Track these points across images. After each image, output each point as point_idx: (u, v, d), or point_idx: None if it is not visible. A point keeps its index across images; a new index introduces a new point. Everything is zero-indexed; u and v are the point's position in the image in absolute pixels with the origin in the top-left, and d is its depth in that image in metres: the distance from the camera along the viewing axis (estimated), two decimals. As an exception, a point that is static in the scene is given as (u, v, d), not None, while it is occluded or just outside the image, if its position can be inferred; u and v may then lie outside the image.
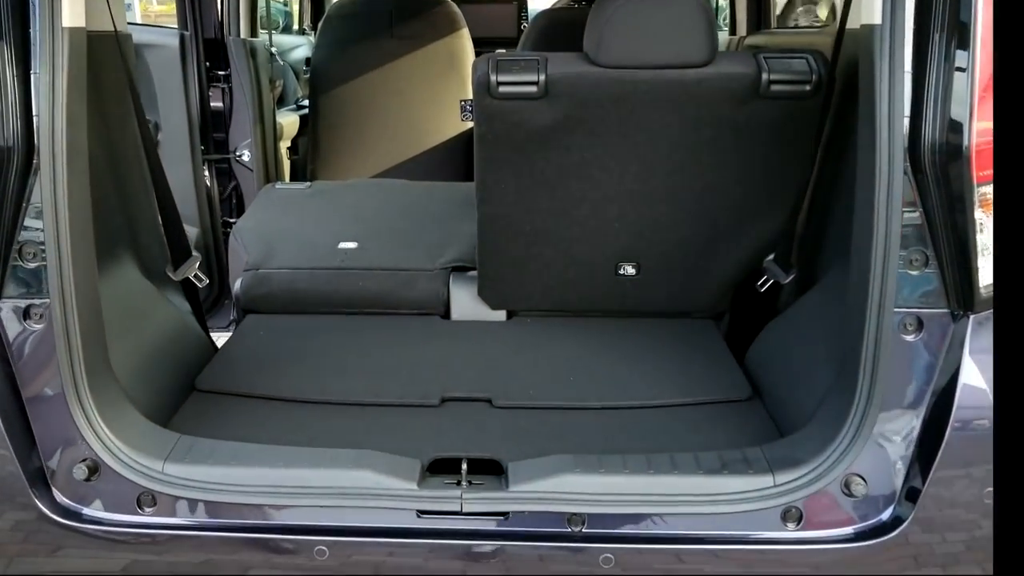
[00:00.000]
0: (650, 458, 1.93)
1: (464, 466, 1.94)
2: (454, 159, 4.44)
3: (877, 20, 1.77)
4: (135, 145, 2.40)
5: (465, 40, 4.45)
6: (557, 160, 2.39)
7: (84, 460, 1.88)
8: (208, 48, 3.69)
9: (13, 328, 1.85)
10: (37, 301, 1.84)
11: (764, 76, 2.21)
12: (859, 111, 1.84)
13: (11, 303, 1.85)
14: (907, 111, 1.74)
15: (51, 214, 1.80)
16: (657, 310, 2.77)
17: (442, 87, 4.42)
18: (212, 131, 3.72)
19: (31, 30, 1.79)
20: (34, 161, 1.80)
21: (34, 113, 1.79)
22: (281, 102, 4.28)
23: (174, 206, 2.50)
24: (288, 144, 4.46)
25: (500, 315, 2.81)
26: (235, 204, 3.93)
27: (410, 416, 2.23)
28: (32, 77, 1.79)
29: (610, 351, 2.56)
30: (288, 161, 4.42)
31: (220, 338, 2.93)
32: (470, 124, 4.46)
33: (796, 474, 1.86)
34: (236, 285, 2.85)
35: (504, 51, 5.22)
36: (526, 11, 5.34)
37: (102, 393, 1.91)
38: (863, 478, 1.85)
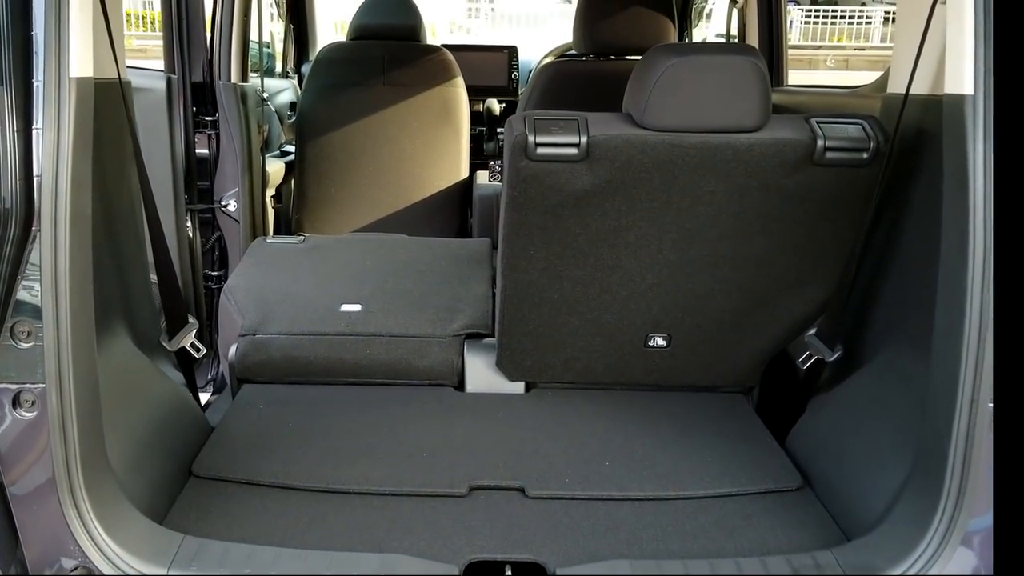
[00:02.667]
0: (714, 564, 1.75)
1: (509, 573, 1.74)
2: (449, 212, 4.26)
3: (968, 90, 1.64)
4: (130, 200, 2.19)
5: (460, 89, 4.30)
6: (592, 226, 2.22)
7: (76, 568, 1.65)
8: (195, 92, 3.48)
9: (1, 418, 1.62)
10: (29, 386, 1.62)
11: (820, 143, 2.07)
12: (945, 186, 1.71)
13: (-2, 387, 1.62)
14: None
15: (51, 289, 1.58)
16: (685, 383, 2.61)
17: (436, 137, 4.25)
18: (196, 179, 3.50)
19: (34, 80, 1.59)
20: (33, 228, 1.59)
21: (35, 173, 1.59)
22: (265, 148, 4.07)
23: (172, 267, 2.29)
24: (272, 192, 4.25)
25: (518, 387, 2.62)
26: (218, 256, 3.70)
27: (436, 508, 2.02)
28: (34, 133, 1.59)
29: (642, 430, 2.38)
30: (272, 210, 4.20)
31: (202, 397, 2.71)
32: (464, 175, 4.30)
33: None
34: (231, 351, 2.63)
35: (495, 98, 5.13)
36: (517, 60, 5.21)
37: (98, 489, 1.68)
38: (950, 589, 1.68)
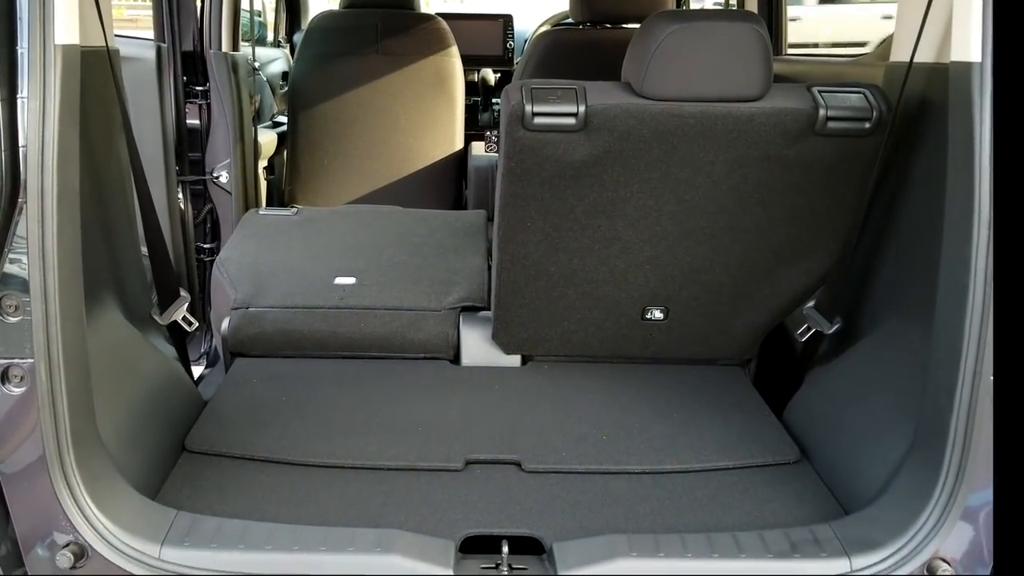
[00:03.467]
0: (712, 539, 1.73)
1: (505, 548, 1.73)
2: (444, 183, 4.22)
3: (975, 57, 1.61)
4: (119, 172, 2.15)
5: (455, 58, 4.24)
6: (590, 197, 2.19)
7: (68, 545, 1.63)
8: (185, 61, 3.42)
9: (-11, 393, 1.59)
10: (18, 361, 1.59)
11: (821, 112, 2.04)
12: (950, 156, 1.68)
13: (-15, 363, 1.59)
14: None
15: (38, 262, 1.55)
16: (682, 356, 2.59)
17: (430, 107, 4.20)
18: (188, 150, 3.45)
19: (18, 48, 1.55)
20: (19, 200, 1.55)
21: (20, 144, 1.55)
22: (257, 118, 4.01)
23: (163, 240, 2.25)
24: (264, 164, 4.20)
25: (514, 360, 2.60)
26: (210, 229, 3.66)
27: (432, 482, 2.01)
28: (19, 102, 1.55)
29: (640, 404, 2.36)
30: (264, 182, 4.16)
31: (194, 371, 2.68)
32: (459, 146, 4.26)
33: (875, 557, 1.69)
34: (224, 324, 2.60)
35: (490, 68, 5.07)
36: (512, 29, 5.15)
37: (90, 465, 1.66)
38: (948, 563, 1.67)
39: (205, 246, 3.62)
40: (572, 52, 3.60)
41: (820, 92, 2.08)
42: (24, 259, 1.56)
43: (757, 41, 2.02)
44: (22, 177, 1.55)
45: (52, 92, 1.56)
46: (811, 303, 2.38)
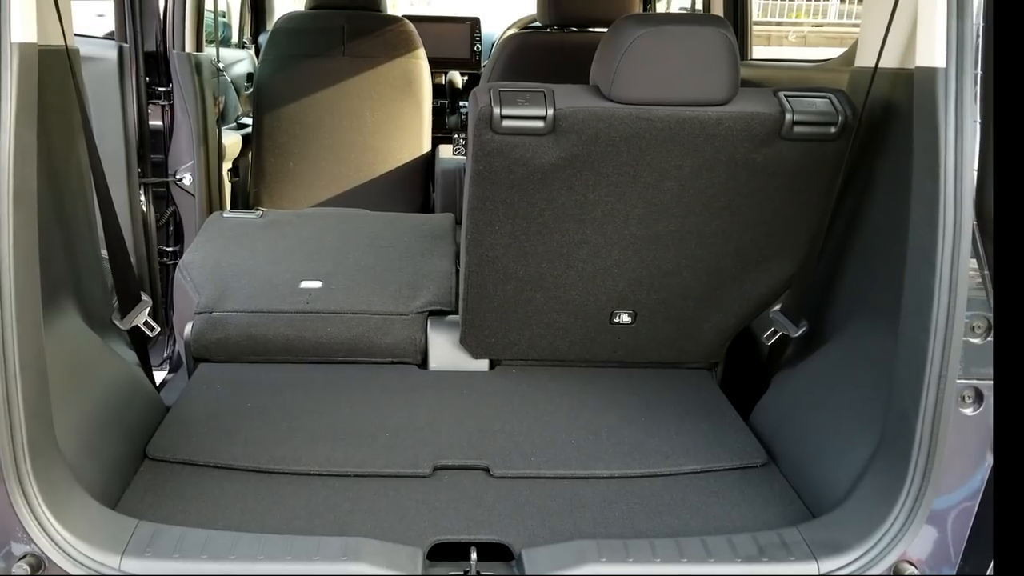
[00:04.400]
0: (680, 543, 1.73)
1: (474, 555, 1.71)
2: (411, 186, 4.19)
3: (940, 63, 1.62)
4: (79, 174, 2.10)
5: (422, 60, 4.22)
6: (559, 200, 2.18)
7: (25, 556, 1.59)
8: (147, 62, 3.37)
9: (-59, 400, 1.54)
10: None
11: (788, 117, 2.05)
12: (915, 160, 1.69)
13: (-62, 369, 1.54)
14: (975, 164, 1.59)
15: None
16: (649, 360, 2.59)
17: (397, 109, 4.18)
18: (150, 152, 3.40)
19: None
20: None
21: None
22: (221, 120, 3.96)
23: (123, 243, 2.21)
24: (229, 166, 4.15)
25: (482, 364, 2.58)
26: (172, 231, 3.61)
27: (399, 488, 1.98)
28: None
29: (608, 408, 2.36)
30: (228, 184, 4.11)
31: (157, 376, 2.63)
32: (426, 149, 4.23)
33: (843, 560, 1.69)
34: (187, 329, 2.56)
35: (457, 71, 5.05)
36: (479, 32, 5.13)
37: (47, 474, 1.61)
38: (915, 565, 1.69)
39: (168, 249, 3.57)
40: (540, 55, 3.60)
41: (787, 96, 2.09)
42: None
43: (724, 45, 2.02)
44: None
45: (8, 92, 1.53)
46: (777, 307, 2.39)
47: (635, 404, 2.38)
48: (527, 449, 2.14)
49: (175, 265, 3.49)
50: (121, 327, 2.21)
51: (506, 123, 2.04)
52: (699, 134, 2.07)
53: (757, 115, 2.06)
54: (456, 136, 3.40)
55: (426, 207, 4.25)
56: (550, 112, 2.03)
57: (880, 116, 2.07)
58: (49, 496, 1.61)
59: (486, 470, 2.06)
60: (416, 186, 4.24)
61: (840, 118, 2.06)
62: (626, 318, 2.45)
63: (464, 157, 3.95)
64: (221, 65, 3.94)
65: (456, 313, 2.63)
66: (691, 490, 2.02)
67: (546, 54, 3.63)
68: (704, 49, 2.02)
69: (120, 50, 3.18)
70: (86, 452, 1.83)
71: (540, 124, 2.04)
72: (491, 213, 2.21)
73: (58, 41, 1.91)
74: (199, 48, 3.60)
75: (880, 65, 2.00)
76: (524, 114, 2.04)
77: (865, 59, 2.14)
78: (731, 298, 2.41)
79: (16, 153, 1.53)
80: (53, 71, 1.90)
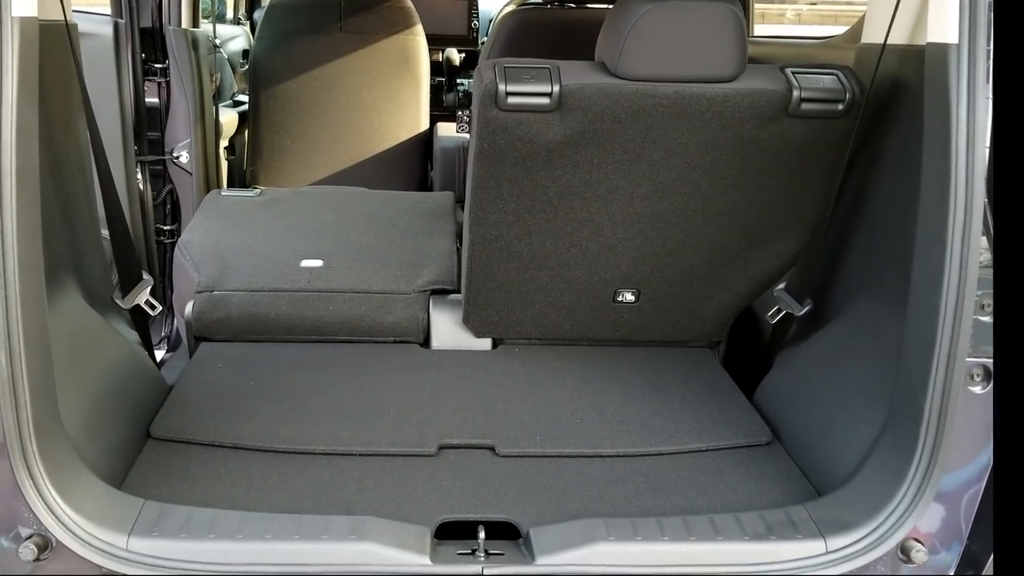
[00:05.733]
0: (688, 521, 1.73)
1: (482, 534, 1.71)
2: (409, 164, 4.16)
3: (952, 39, 1.61)
4: (78, 151, 2.08)
5: (420, 37, 4.18)
6: (563, 178, 2.17)
7: (32, 536, 1.58)
8: (143, 38, 3.33)
9: (-56, 380, 1.53)
10: None
11: (795, 94, 2.03)
12: (926, 138, 1.68)
13: (-59, 348, 1.53)
14: (987, 141, 1.58)
15: None
16: (653, 339, 2.58)
17: (395, 87, 4.14)
18: (146, 129, 3.36)
19: None
20: None
21: None
22: (217, 97, 3.92)
23: (123, 221, 2.19)
24: (225, 144, 4.11)
25: (485, 343, 2.57)
26: (170, 210, 3.58)
27: (405, 467, 1.98)
28: None
29: (612, 386, 2.35)
30: (225, 162, 4.07)
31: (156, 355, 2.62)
32: (424, 127, 4.20)
33: (850, 538, 1.70)
34: (187, 308, 2.54)
35: (455, 50, 5.00)
36: (477, 8, 5.08)
37: (52, 454, 1.60)
38: (922, 542, 1.69)
39: (165, 228, 3.54)
40: (539, 32, 3.57)
41: (794, 73, 2.08)
42: None
43: (732, 21, 2.00)
44: None
45: (9, 67, 1.50)
46: (781, 285, 2.39)
47: (639, 383, 2.38)
48: (532, 428, 2.14)
49: (172, 244, 3.47)
50: (122, 306, 2.19)
51: (511, 100, 2.02)
52: (706, 111, 2.05)
53: (764, 92, 2.04)
54: (460, 113, 3.36)
55: (424, 185, 4.23)
56: (556, 89, 2.01)
57: (888, 93, 2.06)
58: (55, 476, 1.60)
59: (492, 449, 2.05)
60: (414, 164, 4.21)
61: (848, 95, 2.05)
62: (629, 297, 2.44)
63: (466, 135, 3.93)
64: (218, 41, 3.89)
65: (458, 292, 2.62)
66: (696, 468, 2.02)
67: (546, 31, 3.60)
68: (712, 25, 2.00)
69: (116, 26, 3.14)
70: (90, 432, 1.82)
71: (546, 101, 2.02)
72: (495, 191, 2.20)
73: (57, 15, 1.88)
74: (195, 24, 3.56)
75: (889, 41, 1.98)
76: (530, 90, 2.02)
77: (872, 35, 2.12)
78: (735, 277, 2.40)
79: (18, 131, 1.51)
80: (52, 46, 1.87)
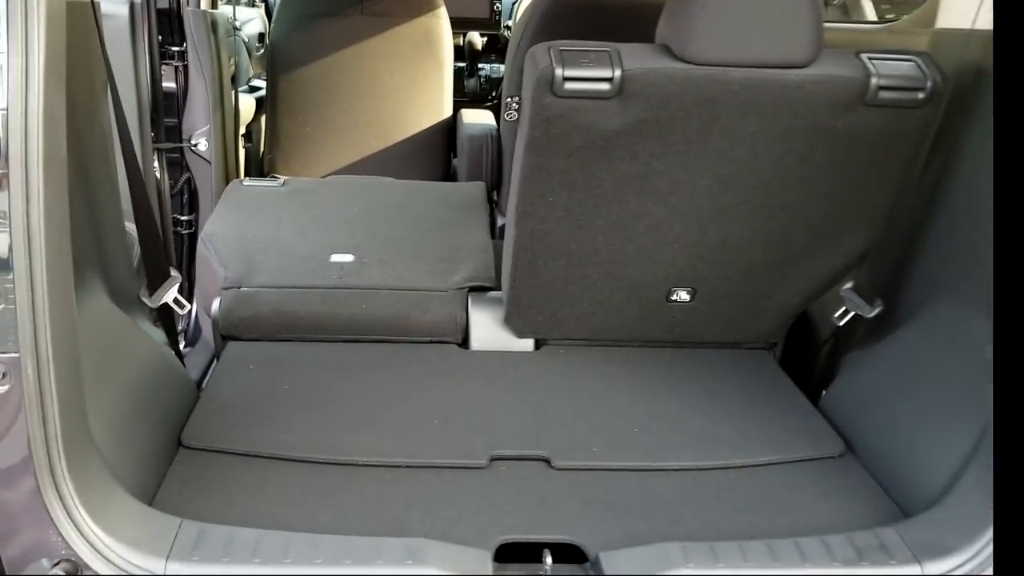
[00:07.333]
0: (771, 546, 1.59)
1: (548, 558, 1.57)
2: (431, 153, 4.02)
3: None
4: (102, 138, 1.93)
5: (443, 20, 4.03)
6: (620, 170, 2.02)
7: (60, 562, 1.44)
8: (160, 20, 3.17)
9: (-34, 391, 1.39)
10: (0, 355, 1.38)
11: (873, 81, 1.89)
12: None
13: (-38, 357, 1.38)
14: None
15: (23, 241, 1.35)
16: (706, 340, 2.44)
17: (418, 72, 3.99)
18: (163, 116, 3.21)
19: None
20: None
21: (0, 107, 1.33)
22: (233, 82, 3.78)
23: (151, 214, 2.04)
24: (243, 131, 3.97)
25: (527, 344, 2.43)
26: (187, 200, 3.43)
27: (455, 481, 1.84)
28: None
29: (668, 392, 2.21)
30: (242, 150, 3.92)
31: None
32: (448, 114, 4.05)
33: (949, 563, 1.56)
34: (214, 305, 2.39)
35: (478, 34, 4.84)
36: (499, -10, 4.92)
37: (82, 471, 1.46)
38: (1027, 569, 1.55)
39: (182, 218, 3.39)
40: (576, 15, 3.38)
41: (870, 59, 1.93)
42: (6, 238, 1.36)
43: (810, 2, 1.85)
44: (2, 145, 1.35)
45: (36, 48, 1.35)
46: (848, 284, 2.25)
47: (696, 388, 2.24)
48: (587, 438, 2.00)
49: (190, 235, 3.33)
50: (150, 305, 2.05)
51: (568, 85, 1.88)
52: (779, 98, 1.91)
53: (840, 79, 1.90)
54: (508, 100, 3.19)
55: (447, 175, 4.08)
56: (617, 73, 1.86)
57: (970, 82, 1.91)
58: (85, 496, 1.47)
59: (546, 461, 1.91)
60: (437, 153, 4.06)
61: (928, 83, 1.90)
62: (684, 295, 2.30)
63: (492, 122, 3.77)
64: (237, 24, 3.74)
65: (497, 289, 2.48)
66: (769, 484, 1.88)
67: (584, 14, 3.40)
68: (788, 6, 1.85)
69: (132, 6, 2.98)
70: (120, 443, 1.68)
71: (606, 87, 1.88)
72: (545, 183, 2.05)
73: None
74: (214, 5, 3.40)
75: (971, 27, 1.84)
76: (589, 75, 1.87)
77: (949, 20, 1.98)
78: (798, 275, 2.26)
79: (45, 115, 1.36)
80: (76, 26, 1.72)
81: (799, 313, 2.40)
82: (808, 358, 2.45)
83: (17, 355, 1.37)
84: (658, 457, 1.94)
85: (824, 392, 2.24)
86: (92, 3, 1.77)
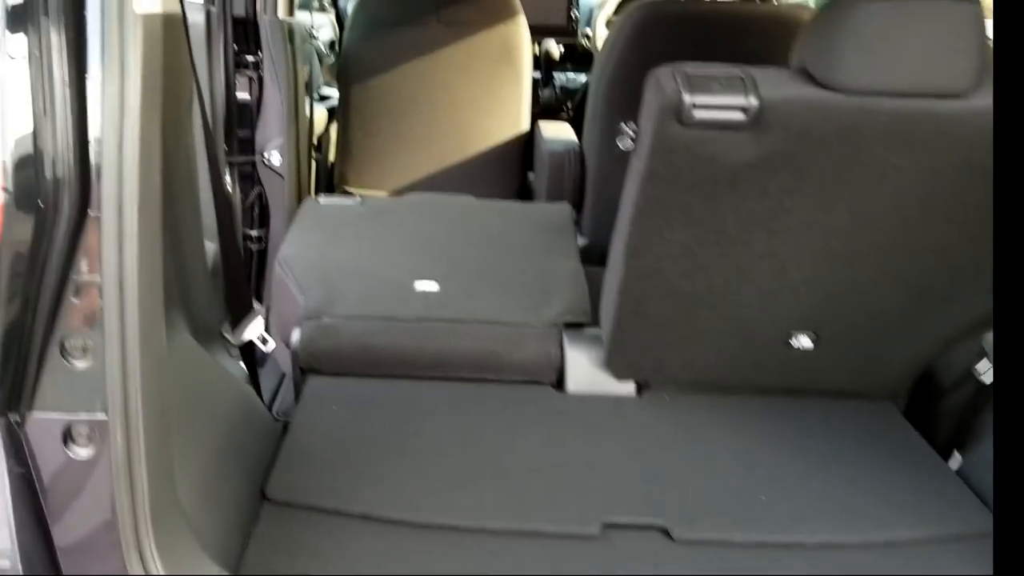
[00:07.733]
0: None
1: None
2: (507, 168, 3.85)
3: None
4: (188, 161, 1.79)
5: (522, 28, 3.85)
6: (746, 206, 1.83)
7: None
8: (235, 28, 3.04)
9: (47, 456, 1.25)
10: (84, 416, 1.24)
11: None
12: None
13: (43, 418, 1.24)
14: None
15: (115, 292, 1.20)
16: (825, 388, 2.23)
17: (496, 82, 3.82)
18: (237, 127, 3.09)
19: (87, 15, 1.19)
20: (90, 212, 1.20)
21: (91, 138, 1.19)
22: (308, 92, 3.65)
23: (237, 243, 1.90)
24: (314, 142, 3.84)
25: (628, 387, 2.24)
26: (258, 215, 3.30)
27: (565, 551, 1.67)
28: (89, 86, 1.19)
29: (791, 449, 2.01)
30: (313, 162, 3.79)
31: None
32: (525, 127, 3.87)
33: None
34: (294, 336, 2.24)
35: (554, 42, 4.65)
36: (577, -5, 4.72)
37: (172, 546, 1.32)
38: None
39: (252, 233, 3.26)
40: (675, 29, 3.17)
41: None
42: (95, 288, 1.21)
43: (973, 22, 1.65)
44: (93, 182, 1.20)
45: (132, 73, 1.21)
46: (989, 332, 2.03)
47: (821, 446, 2.03)
48: (707, 504, 1.81)
49: (260, 251, 3.20)
50: (233, 342, 1.90)
51: (698, 114, 1.69)
52: (931, 131, 1.71)
53: None
54: (624, 124, 3.00)
55: (523, 192, 3.91)
56: (753, 102, 1.68)
57: None
58: (170, 565, 1.32)
59: (665, 532, 1.73)
60: (513, 168, 3.89)
61: None
62: (806, 341, 2.10)
63: (572, 136, 3.58)
64: (314, 31, 3.61)
65: (592, 324, 2.30)
66: (916, 564, 1.68)
67: (685, 28, 3.19)
68: (950, 30, 1.64)
69: (208, 14, 2.86)
70: (206, 500, 1.53)
71: (740, 116, 1.69)
72: (662, 218, 1.87)
73: (172, 7, 1.59)
74: (291, 12, 3.27)
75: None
76: (720, 103, 1.69)
77: None
78: (935, 322, 2.05)
79: (142, 148, 1.21)
80: (167, 42, 1.58)
81: (930, 362, 2.19)
82: (938, 414, 2.23)
83: (105, 418, 1.22)
84: (790, 530, 1.74)
85: (959, 454, 2.02)
86: (184, 17, 1.62)
